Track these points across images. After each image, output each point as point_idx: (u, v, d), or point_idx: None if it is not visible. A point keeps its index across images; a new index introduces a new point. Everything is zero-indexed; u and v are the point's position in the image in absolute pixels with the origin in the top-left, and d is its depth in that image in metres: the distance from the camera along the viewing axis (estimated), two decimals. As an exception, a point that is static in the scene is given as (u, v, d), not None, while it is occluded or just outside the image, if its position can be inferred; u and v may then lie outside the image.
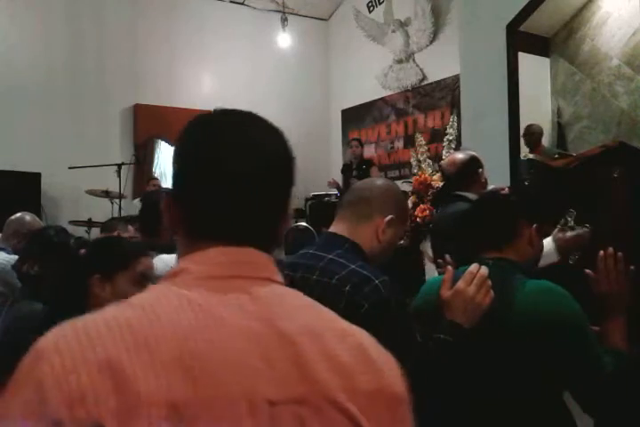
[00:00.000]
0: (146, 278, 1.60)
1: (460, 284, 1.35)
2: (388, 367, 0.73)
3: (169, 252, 2.32)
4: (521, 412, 1.36)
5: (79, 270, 1.61)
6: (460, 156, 2.80)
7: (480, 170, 2.76)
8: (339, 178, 7.35)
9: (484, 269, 1.37)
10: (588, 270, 1.54)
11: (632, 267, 1.52)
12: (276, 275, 0.74)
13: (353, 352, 0.70)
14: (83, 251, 1.73)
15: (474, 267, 1.38)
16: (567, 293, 1.39)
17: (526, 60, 5.39)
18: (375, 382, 0.69)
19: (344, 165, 7.34)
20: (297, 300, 0.74)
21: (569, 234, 2.18)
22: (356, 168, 7.02)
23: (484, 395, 1.38)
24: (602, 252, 1.53)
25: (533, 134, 5.27)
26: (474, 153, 2.82)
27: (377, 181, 1.55)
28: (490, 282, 1.36)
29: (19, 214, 3.28)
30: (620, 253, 1.52)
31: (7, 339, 2.05)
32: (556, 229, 2.21)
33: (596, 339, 1.39)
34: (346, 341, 0.71)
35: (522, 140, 5.21)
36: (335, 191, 7.26)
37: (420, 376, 1.26)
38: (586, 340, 1.36)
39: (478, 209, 1.70)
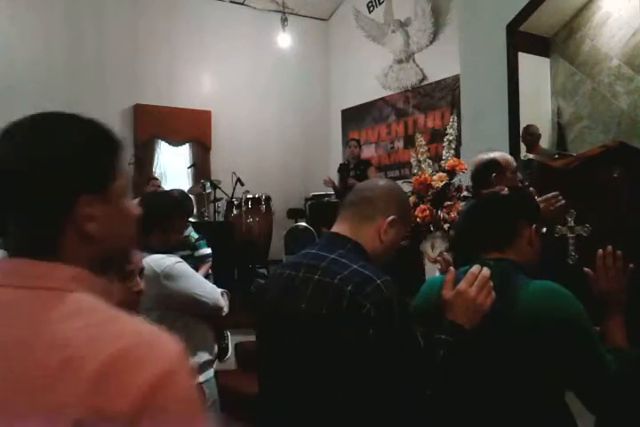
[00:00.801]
0: (128, 273, 1.61)
1: (462, 285, 1.36)
2: (104, 382, 0.65)
3: (159, 252, 2.33)
4: (522, 412, 1.36)
5: None
6: (482, 156, 2.71)
7: (494, 175, 2.63)
8: (335, 177, 7.36)
9: (486, 271, 1.37)
10: (587, 269, 1.55)
11: (631, 265, 1.53)
12: (51, 282, 0.73)
13: (54, 365, 0.66)
14: None
15: (475, 268, 1.38)
16: (570, 293, 1.39)
17: (526, 60, 5.40)
18: (67, 397, 0.65)
19: (341, 165, 7.34)
20: (41, 307, 0.72)
21: (539, 200, 2.21)
22: (353, 168, 7.03)
23: (485, 395, 1.38)
24: (601, 250, 1.54)
25: (532, 135, 5.29)
26: (498, 156, 2.69)
27: (380, 181, 1.55)
28: (491, 283, 1.36)
29: None
30: (619, 252, 1.53)
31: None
32: None
33: (599, 338, 1.40)
34: (54, 353, 0.67)
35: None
36: (332, 190, 7.26)
37: (422, 377, 1.26)
38: (589, 339, 1.36)
39: (478, 210, 1.70)
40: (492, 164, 2.67)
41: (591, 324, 1.39)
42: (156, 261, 2.26)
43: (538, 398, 1.37)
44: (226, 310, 2.47)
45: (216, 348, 2.59)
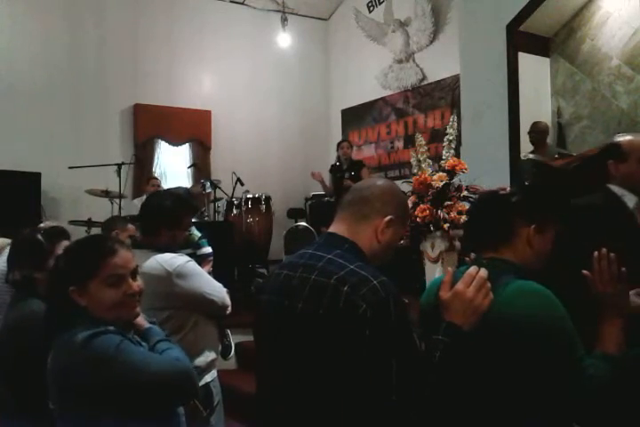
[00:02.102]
0: (119, 278, 1.60)
1: (459, 286, 1.35)
2: None
3: (167, 251, 2.33)
4: (508, 413, 1.35)
5: (57, 284, 1.62)
6: (608, 141, 2.36)
7: (611, 161, 2.28)
8: (328, 178, 7.36)
9: (484, 271, 1.36)
10: (585, 271, 1.53)
11: (623, 269, 1.50)
12: None
13: None
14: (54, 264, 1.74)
15: (473, 269, 1.38)
16: (548, 294, 1.36)
17: (526, 60, 5.39)
18: None
19: (332, 166, 7.34)
20: None
21: None
22: (347, 169, 7.03)
23: (476, 396, 1.37)
24: (596, 253, 1.52)
25: (541, 132, 5.17)
26: (623, 140, 2.32)
27: (377, 181, 1.54)
28: (489, 284, 1.35)
29: (49, 223, 3.26)
30: (612, 255, 1.51)
31: (9, 339, 2.06)
32: None
33: (576, 342, 1.36)
34: None
35: (524, 140, 5.19)
36: (321, 187, 7.27)
37: (419, 377, 1.26)
38: (562, 341, 1.33)
39: (474, 209, 1.70)
40: (611, 149, 2.32)
41: (566, 326, 1.35)
42: (167, 261, 2.26)
43: (522, 400, 1.34)
44: (230, 308, 2.47)
45: (220, 346, 2.59)
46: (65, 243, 2.18)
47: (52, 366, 1.56)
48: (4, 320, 2.15)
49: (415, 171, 3.56)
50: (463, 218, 3.18)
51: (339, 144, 7.28)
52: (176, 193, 2.60)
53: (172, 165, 7.81)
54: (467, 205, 3.25)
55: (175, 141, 7.83)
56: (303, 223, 6.91)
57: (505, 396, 1.35)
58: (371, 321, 1.22)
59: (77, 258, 1.62)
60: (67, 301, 1.57)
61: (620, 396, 1.34)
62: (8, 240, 2.92)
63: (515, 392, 1.35)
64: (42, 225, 3.16)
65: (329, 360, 1.27)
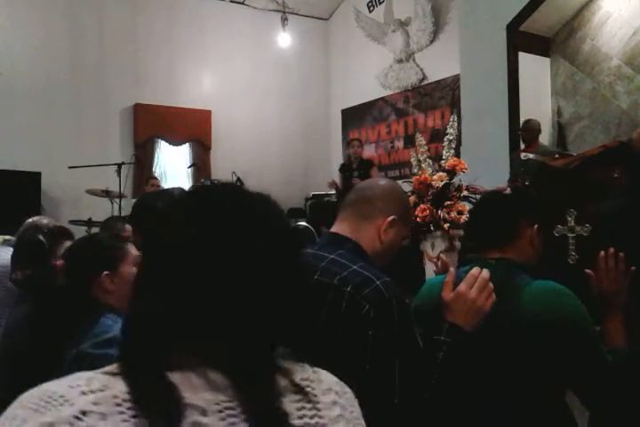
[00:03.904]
0: (140, 259, 1.67)
1: (462, 287, 1.35)
2: None
3: None
4: (523, 411, 1.36)
5: (85, 272, 1.63)
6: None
7: None
8: (336, 177, 7.34)
9: (486, 273, 1.37)
10: (588, 270, 1.54)
11: (632, 267, 1.53)
12: None
13: None
14: (60, 262, 1.76)
15: (475, 270, 1.38)
16: (572, 293, 1.40)
17: (526, 60, 5.40)
18: None
19: (342, 165, 7.32)
20: None
21: None
22: (356, 168, 7.01)
23: (486, 395, 1.38)
24: (602, 252, 1.53)
25: (531, 130, 5.04)
26: None
27: (380, 181, 1.54)
28: (492, 285, 1.35)
29: (36, 217, 3.25)
30: (621, 253, 1.53)
31: (13, 338, 2.07)
32: None
33: (599, 338, 1.40)
34: None
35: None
36: (334, 191, 7.24)
37: (420, 378, 1.26)
38: (590, 340, 1.37)
39: (479, 209, 1.70)
40: None
41: (592, 324, 1.39)
42: None
43: (538, 399, 1.37)
44: None
45: None
46: (67, 243, 2.19)
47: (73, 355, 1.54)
48: (10, 318, 2.16)
49: (415, 171, 3.57)
50: (463, 218, 3.19)
51: (349, 142, 7.23)
52: (170, 193, 2.59)
53: (172, 165, 7.81)
54: (467, 205, 3.25)
55: (175, 141, 7.82)
56: (303, 223, 6.90)
57: (525, 394, 1.37)
58: (374, 322, 1.22)
59: (101, 245, 1.69)
60: (86, 291, 1.60)
61: (629, 389, 1.37)
62: (7, 237, 2.92)
63: (536, 389, 1.37)
64: (35, 218, 3.16)
65: (330, 361, 1.27)
